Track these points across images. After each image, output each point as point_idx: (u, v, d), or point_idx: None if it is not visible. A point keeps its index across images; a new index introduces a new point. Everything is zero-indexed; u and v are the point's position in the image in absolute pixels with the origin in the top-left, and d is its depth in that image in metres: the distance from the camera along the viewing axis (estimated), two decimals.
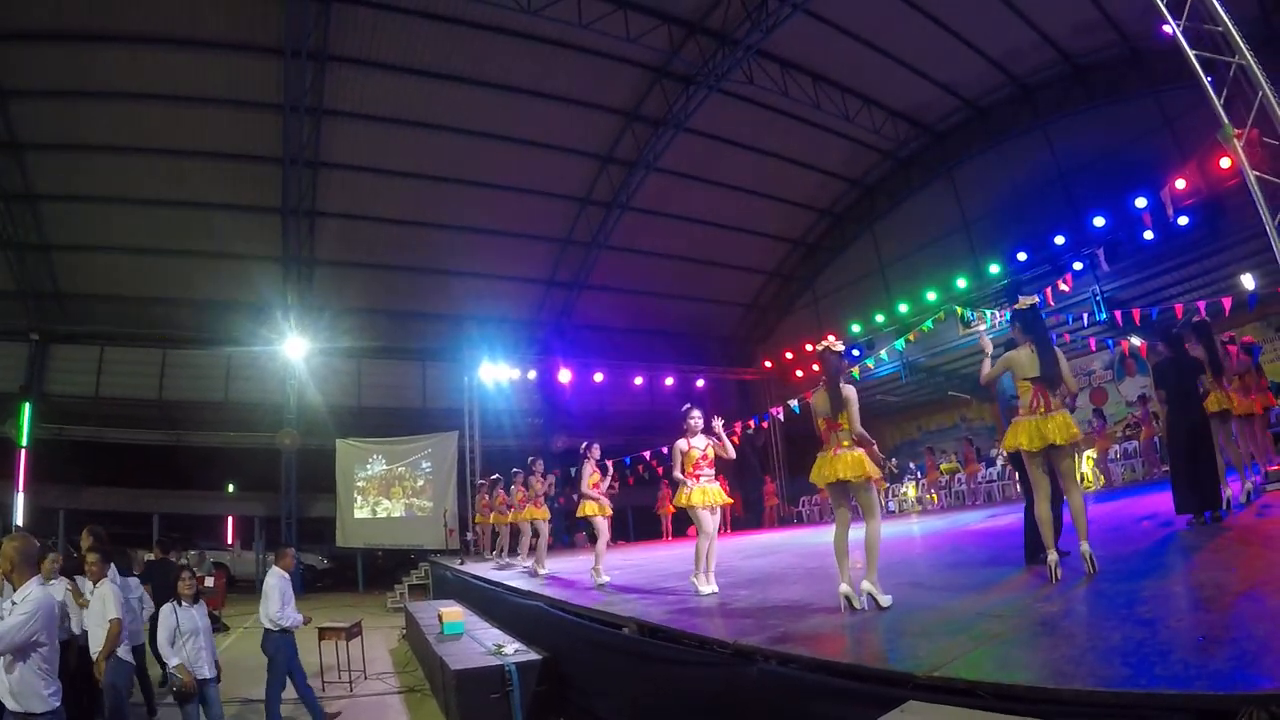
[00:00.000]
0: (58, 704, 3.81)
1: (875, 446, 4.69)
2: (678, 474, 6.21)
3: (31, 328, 17.07)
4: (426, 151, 16.57)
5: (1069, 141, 16.37)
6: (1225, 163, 11.00)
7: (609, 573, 7.79)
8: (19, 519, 15.37)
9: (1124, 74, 15.11)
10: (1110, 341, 14.52)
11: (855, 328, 19.39)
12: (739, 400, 23.34)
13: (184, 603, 5.78)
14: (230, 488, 20.23)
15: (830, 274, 22.50)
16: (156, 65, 13.69)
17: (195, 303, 18.07)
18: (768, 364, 22.79)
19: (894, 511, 17.29)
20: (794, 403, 16.50)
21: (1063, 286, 14.09)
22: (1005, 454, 6.30)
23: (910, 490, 17.78)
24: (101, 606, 5.40)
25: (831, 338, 4.94)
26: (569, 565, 10.60)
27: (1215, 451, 6.16)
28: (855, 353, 18.60)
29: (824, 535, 6.29)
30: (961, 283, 17.09)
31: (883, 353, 18.09)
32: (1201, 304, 10.63)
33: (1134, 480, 13.38)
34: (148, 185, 15.97)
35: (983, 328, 14.42)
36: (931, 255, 19.02)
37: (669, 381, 21.01)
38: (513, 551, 12.41)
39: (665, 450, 10.10)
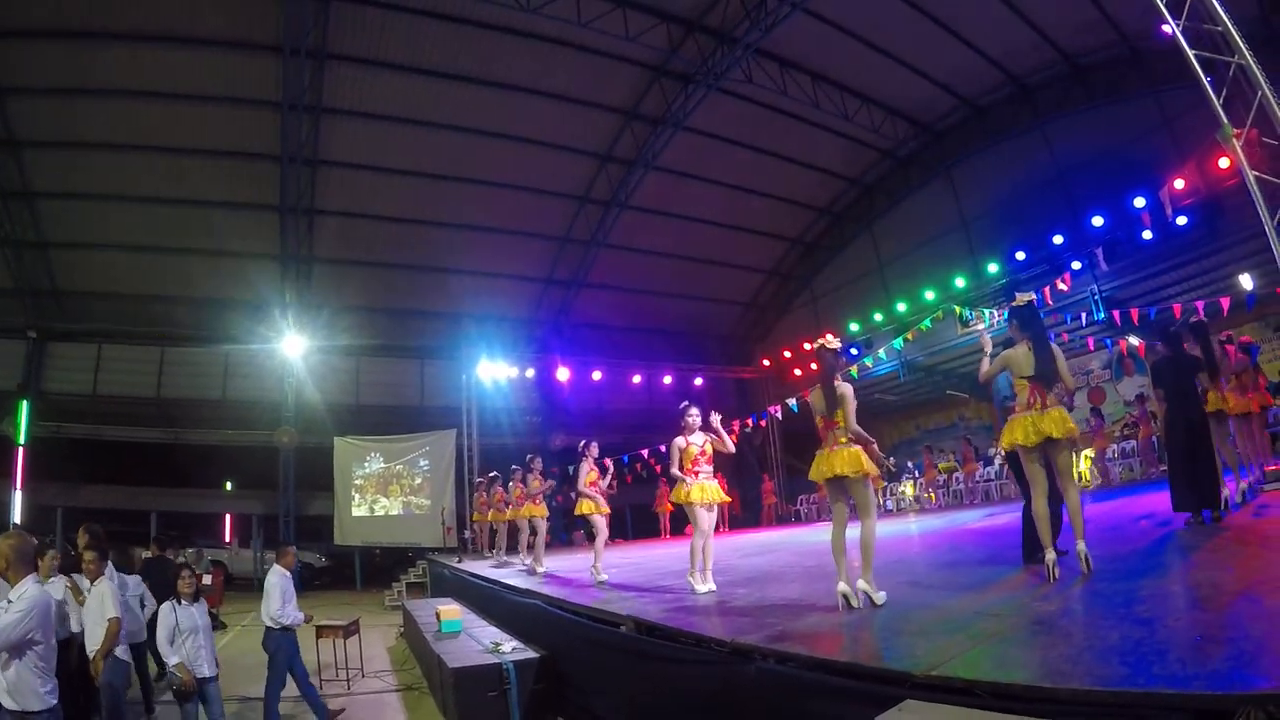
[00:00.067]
0: (54, 702, 3.79)
1: (875, 445, 4.69)
2: (675, 471, 6.21)
3: (29, 325, 17.05)
4: (425, 149, 16.55)
5: (1068, 141, 16.37)
6: (1224, 163, 11.00)
7: (606, 571, 7.79)
8: (17, 517, 15.36)
9: (1123, 74, 15.11)
10: (1108, 341, 14.53)
11: (854, 326, 19.38)
12: (737, 399, 23.36)
13: (183, 601, 5.76)
14: (228, 486, 20.24)
15: (829, 273, 22.51)
16: (155, 63, 13.65)
17: (193, 300, 18.06)
18: (766, 363, 22.80)
19: (892, 510, 17.32)
20: (792, 401, 16.50)
21: (1061, 286, 14.09)
22: (1003, 453, 6.28)
23: (908, 489, 17.79)
24: (100, 605, 5.37)
25: (829, 336, 4.94)
26: (567, 563, 10.60)
27: (1214, 450, 6.16)
28: (853, 351, 18.60)
29: (822, 534, 6.29)
30: (960, 282, 17.10)
31: (881, 352, 18.09)
32: (1200, 304, 10.65)
33: (1132, 479, 13.41)
34: (146, 183, 15.95)
35: (981, 326, 14.46)
36: (930, 254, 19.03)
37: (667, 380, 21.00)
38: (511, 549, 12.41)
39: (663, 449, 10.10)
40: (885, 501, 17.49)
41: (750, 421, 18.21)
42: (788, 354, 21.32)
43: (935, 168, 19.21)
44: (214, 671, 5.84)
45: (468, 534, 16.13)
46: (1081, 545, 4.34)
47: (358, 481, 19.09)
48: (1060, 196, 16.32)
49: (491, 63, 14.85)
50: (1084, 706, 2.38)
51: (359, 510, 19.01)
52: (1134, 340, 13.11)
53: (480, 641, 6.97)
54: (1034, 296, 5.06)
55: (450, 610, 8.26)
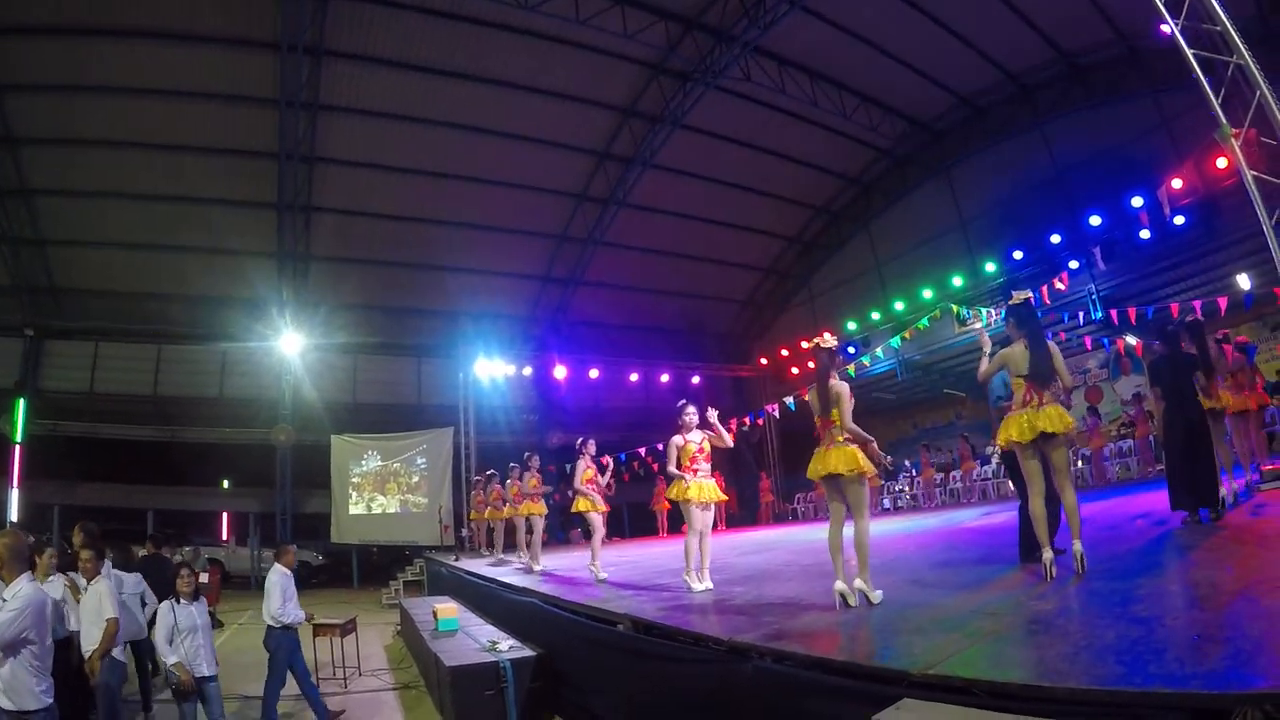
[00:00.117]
0: (50, 701, 3.79)
1: (874, 444, 4.69)
2: (673, 469, 6.21)
3: (26, 323, 17.03)
4: (423, 147, 16.53)
5: (1067, 140, 16.38)
6: (1222, 162, 11.02)
7: (603, 569, 7.79)
8: (13, 515, 15.33)
9: (1122, 74, 15.12)
10: (1106, 340, 14.55)
11: (851, 325, 19.39)
12: (734, 397, 23.35)
13: (182, 600, 5.74)
14: (225, 484, 20.20)
15: (826, 271, 22.52)
16: (152, 60, 13.62)
17: (190, 298, 18.02)
18: (763, 361, 22.78)
19: (889, 509, 17.33)
20: (789, 399, 16.51)
21: (1059, 285, 14.11)
22: (1000, 452, 6.28)
23: (905, 488, 17.80)
24: (97, 604, 5.32)
25: (825, 334, 4.94)
26: (564, 562, 10.60)
27: (1213, 449, 6.16)
28: (851, 350, 18.60)
29: (819, 532, 6.29)
30: (957, 281, 17.12)
31: (878, 350, 18.09)
32: (1197, 303, 10.64)
33: (1129, 479, 13.41)
34: (143, 180, 15.91)
35: (979, 325, 14.44)
36: (928, 253, 19.04)
37: (665, 378, 20.97)
38: (508, 548, 12.40)
39: (661, 447, 10.09)
40: (882, 500, 17.50)
41: (748, 420, 18.20)
42: (785, 352, 21.32)
43: (933, 167, 19.21)
44: (213, 670, 5.81)
45: (465, 532, 16.13)
46: (1078, 545, 4.33)
47: (355, 480, 19.07)
48: (1058, 196, 16.32)
49: (489, 60, 14.82)
50: (1081, 705, 2.38)
51: (356, 508, 18.98)
52: (1131, 339, 13.13)
53: (477, 640, 6.96)
54: (1030, 294, 5.03)
55: (447, 608, 8.26)
